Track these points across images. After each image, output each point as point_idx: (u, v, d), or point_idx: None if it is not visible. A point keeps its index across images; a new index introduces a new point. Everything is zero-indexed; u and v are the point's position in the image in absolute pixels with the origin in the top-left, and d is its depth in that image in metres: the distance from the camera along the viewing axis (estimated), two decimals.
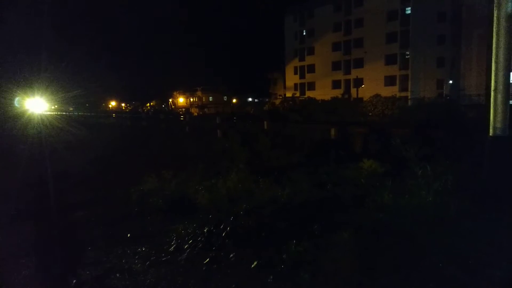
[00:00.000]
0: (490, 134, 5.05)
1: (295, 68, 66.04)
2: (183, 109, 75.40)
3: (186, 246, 4.61)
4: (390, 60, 52.42)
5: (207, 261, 4.14)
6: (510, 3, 4.84)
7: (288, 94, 62.92)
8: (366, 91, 49.35)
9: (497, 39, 4.90)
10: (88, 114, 41.04)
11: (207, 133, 16.49)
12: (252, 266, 3.87)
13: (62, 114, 41.14)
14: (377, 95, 35.77)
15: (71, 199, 7.64)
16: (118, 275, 4.06)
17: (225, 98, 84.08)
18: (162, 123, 25.76)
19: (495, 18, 4.91)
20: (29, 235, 5.60)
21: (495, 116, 4.98)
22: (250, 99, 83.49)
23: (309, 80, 63.52)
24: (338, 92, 53.40)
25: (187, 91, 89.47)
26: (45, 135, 17.69)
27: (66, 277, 4.08)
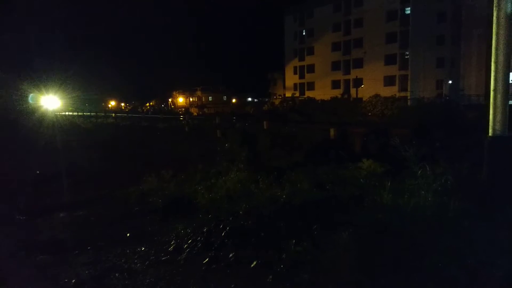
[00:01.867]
0: (490, 134, 5.04)
1: (295, 68, 66.02)
2: (183, 109, 75.23)
3: (185, 246, 4.61)
4: (389, 60, 52.37)
5: (207, 261, 4.13)
6: (509, 3, 4.84)
7: (288, 94, 62.93)
8: (365, 91, 49.35)
9: (497, 39, 4.89)
10: (88, 114, 40.96)
11: (206, 133, 16.50)
12: (252, 266, 3.87)
13: (60, 115, 41.08)
14: (376, 95, 35.83)
15: (72, 198, 7.64)
16: (117, 274, 4.06)
17: (224, 98, 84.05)
18: (161, 122, 25.78)
19: (494, 18, 4.90)
20: (30, 235, 5.59)
21: (494, 116, 4.97)
22: (249, 99, 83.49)
23: (309, 80, 63.50)
24: (337, 92, 53.36)
25: (187, 91, 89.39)
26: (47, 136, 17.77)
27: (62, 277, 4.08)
